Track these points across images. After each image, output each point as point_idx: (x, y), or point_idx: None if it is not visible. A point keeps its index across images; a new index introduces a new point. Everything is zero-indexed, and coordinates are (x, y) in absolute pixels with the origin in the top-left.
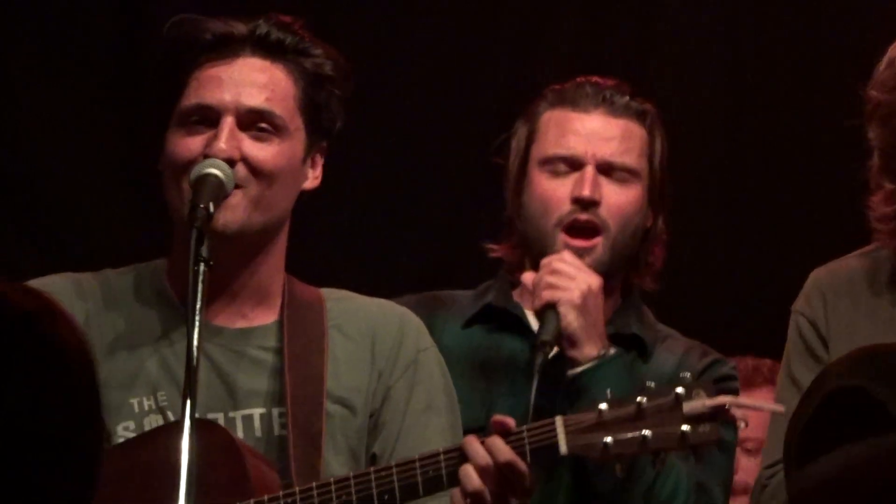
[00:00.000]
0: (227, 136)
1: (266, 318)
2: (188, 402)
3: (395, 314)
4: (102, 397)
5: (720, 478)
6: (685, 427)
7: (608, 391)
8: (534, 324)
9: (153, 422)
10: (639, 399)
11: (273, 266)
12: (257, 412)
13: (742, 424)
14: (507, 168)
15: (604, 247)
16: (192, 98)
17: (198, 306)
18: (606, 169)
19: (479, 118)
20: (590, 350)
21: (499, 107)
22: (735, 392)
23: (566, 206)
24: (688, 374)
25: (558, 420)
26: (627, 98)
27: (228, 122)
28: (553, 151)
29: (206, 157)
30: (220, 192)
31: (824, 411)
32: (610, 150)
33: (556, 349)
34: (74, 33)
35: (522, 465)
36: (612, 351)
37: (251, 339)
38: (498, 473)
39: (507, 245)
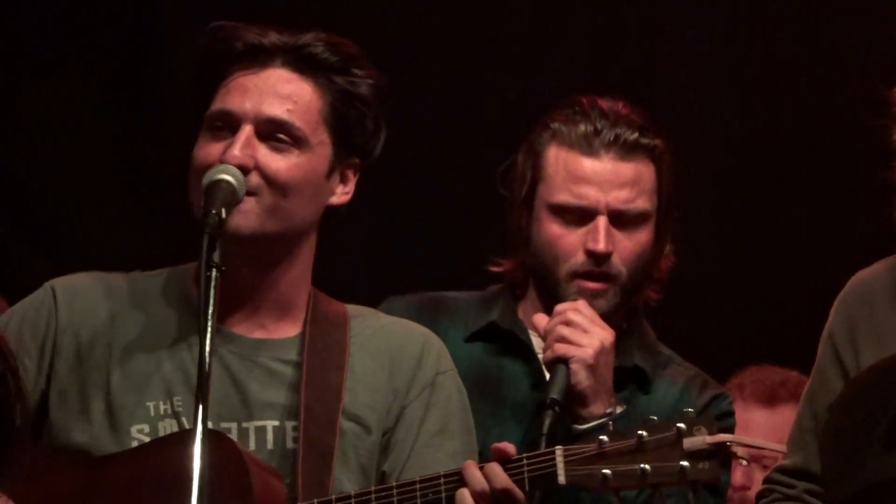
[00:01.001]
0: (242, 144)
1: (288, 331)
2: (200, 408)
3: (418, 335)
4: (121, 398)
5: None
6: (685, 463)
7: (610, 423)
8: (538, 346)
9: (168, 426)
10: (640, 432)
11: (296, 278)
12: (270, 424)
13: (744, 462)
14: (512, 199)
15: (615, 293)
16: (217, 104)
17: (210, 311)
18: (619, 217)
19: (489, 123)
20: (596, 408)
21: (507, 113)
22: (732, 429)
23: (579, 257)
24: (690, 410)
25: (558, 450)
26: (637, 135)
27: (246, 130)
28: (564, 199)
29: (220, 163)
30: (231, 198)
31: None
32: (622, 197)
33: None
34: (77, 36)
35: (519, 493)
36: (619, 410)
37: (269, 351)
38: (494, 500)
39: (511, 263)
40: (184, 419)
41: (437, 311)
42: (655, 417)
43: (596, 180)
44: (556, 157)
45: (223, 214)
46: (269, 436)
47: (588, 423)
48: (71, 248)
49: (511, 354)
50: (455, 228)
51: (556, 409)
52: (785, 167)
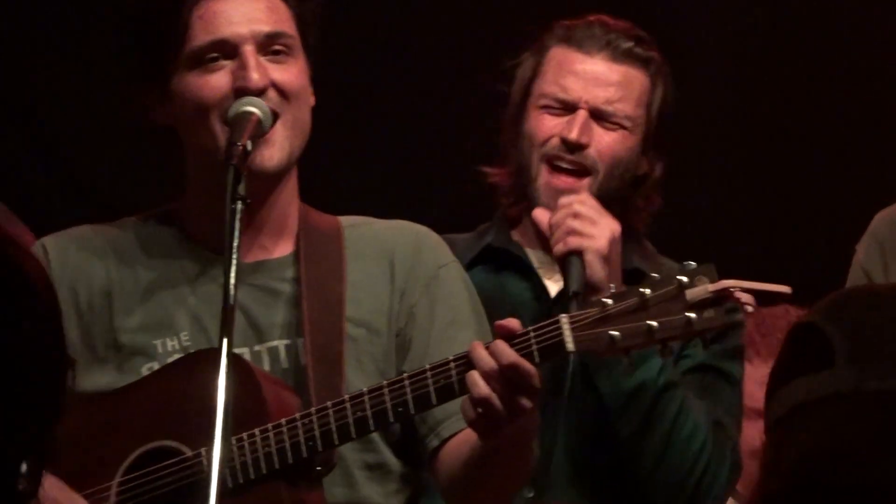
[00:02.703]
0: (254, 66)
1: (284, 249)
2: (225, 340)
3: (411, 232)
4: (128, 341)
5: (734, 413)
6: (690, 314)
7: (612, 286)
8: (535, 262)
9: None
10: (641, 290)
11: (290, 195)
12: (282, 344)
13: (749, 308)
14: (510, 96)
15: (590, 188)
16: (202, 36)
17: (235, 244)
18: (599, 115)
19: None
20: None
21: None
22: (738, 337)
23: (554, 142)
24: (691, 263)
25: (563, 317)
26: (632, 43)
27: (251, 50)
28: (550, 91)
29: (238, 92)
30: (258, 130)
31: (789, 344)
32: (605, 96)
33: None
34: None
35: (528, 366)
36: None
37: (267, 272)
38: (504, 377)
39: (502, 171)
40: None
41: None
42: (656, 275)
43: (583, 76)
44: (554, 55)
45: (249, 147)
46: (282, 355)
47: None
48: (101, 192)
49: (509, 271)
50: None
51: (579, 299)
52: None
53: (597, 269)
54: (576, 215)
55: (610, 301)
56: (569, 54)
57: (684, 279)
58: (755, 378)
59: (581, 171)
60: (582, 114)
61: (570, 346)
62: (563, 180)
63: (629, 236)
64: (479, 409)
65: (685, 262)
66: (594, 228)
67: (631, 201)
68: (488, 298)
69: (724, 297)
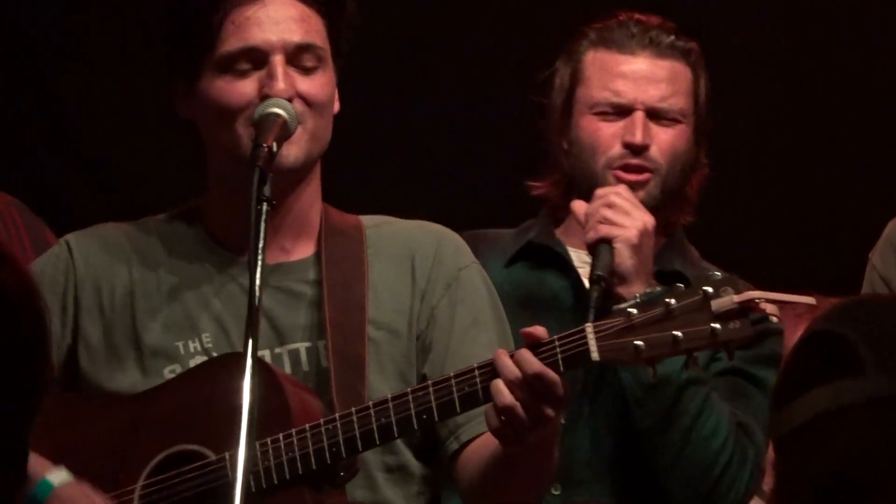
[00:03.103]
0: (282, 76)
1: (305, 250)
2: (250, 342)
3: (432, 233)
4: (151, 342)
5: (761, 419)
6: (715, 325)
7: (637, 295)
8: (576, 261)
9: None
10: (667, 300)
11: (311, 195)
12: (303, 346)
13: (775, 319)
14: (550, 107)
15: (655, 184)
16: (234, 42)
17: (260, 246)
18: (655, 114)
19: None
20: (637, 288)
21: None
22: (778, 346)
23: (617, 149)
24: (716, 273)
25: (588, 327)
26: (673, 37)
27: (280, 60)
28: (601, 96)
29: (263, 98)
30: (283, 131)
31: (802, 353)
32: (658, 94)
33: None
34: None
35: (553, 375)
36: (658, 289)
37: (289, 273)
38: (528, 386)
39: (548, 182)
40: (214, 355)
41: (477, 243)
42: (681, 285)
43: (632, 77)
44: (594, 60)
45: (274, 148)
46: (303, 357)
47: (628, 302)
48: (125, 187)
49: (550, 269)
50: (489, 156)
51: (603, 284)
52: (853, 99)
53: (625, 258)
54: (610, 205)
55: (635, 311)
56: (610, 57)
57: (709, 289)
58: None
59: (644, 169)
60: (639, 115)
61: (595, 355)
62: (631, 176)
63: (673, 242)
64: (503, 418)
65: (710, 272)
66: (626, 219)
67: (684, 192)
68: (528, 295)
69: (749, 308)
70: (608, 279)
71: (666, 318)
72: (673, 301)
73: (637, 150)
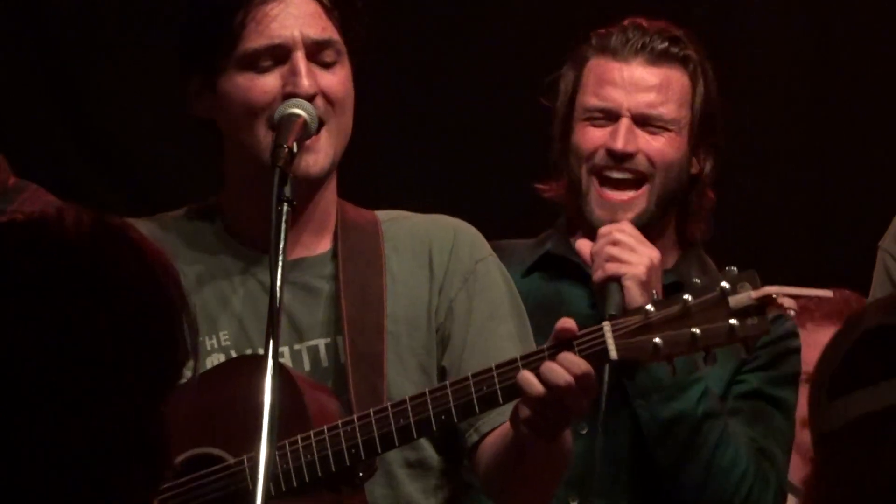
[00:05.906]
0: (305, 73)
1: (322, 246)
2: (271, 342)
3: (448, 226)
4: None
5: (782, 441)
6: (733, 321)
7: (654, 292)
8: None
9: (216, 361)
10: (685, 297)
11: (330, 192)
12: (322, 343)
13: (791, 313)
14: (555, 112)
15: (649, 195)
16: (257, 39)
17: (281, 246)
18: (643, 120)
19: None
20: None
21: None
22: (795, 351)
23: (601, 154)
24: (733, 268)
25: (606, 325)
26: (667, 44)
27: (302, 56)
28: (591, 102)
29: (286, 96)
30: (304, 132)
31: (861, 347)
32: (647, 101)
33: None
34: None
35: (591, 369)
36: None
37: (306, 269)
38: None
39: (556, 185)
40: (232, 352)
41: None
42: (698, 281)
43: (621, 84)
44: (592, 66)
45: (294, 149)
46: (322, 354)
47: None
48: (145, 183)
49: (567, 279)
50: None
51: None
52: (868, 92)
53: (635, 295)
54: (615, 243)
55: (652, 308)
56: (606, 64)
57: (727, 286)
58: (809, 342)
59: (636, 181)
60: (624, 122)
61: (614, 353)
62: (619, 195)
63: (691, 254)
64: (549, 415)
65: (727, 268)
66: (633, 255)
67: (688, 202)
68: (544, 305)
69: (767, 303)
70: (620, 318)
71: (684, 315)
72: (690, 298)
73: (618, 157)
